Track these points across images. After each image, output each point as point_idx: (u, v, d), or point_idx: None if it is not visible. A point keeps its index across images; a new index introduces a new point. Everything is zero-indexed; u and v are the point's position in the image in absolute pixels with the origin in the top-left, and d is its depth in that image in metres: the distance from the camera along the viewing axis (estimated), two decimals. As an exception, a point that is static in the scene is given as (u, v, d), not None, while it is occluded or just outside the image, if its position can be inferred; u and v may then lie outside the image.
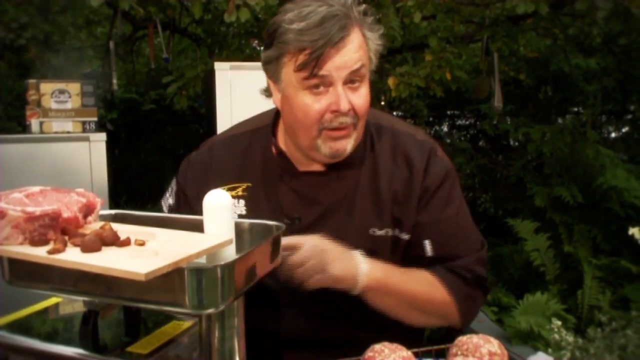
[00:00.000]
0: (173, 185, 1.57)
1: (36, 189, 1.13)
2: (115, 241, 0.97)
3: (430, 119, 6.31)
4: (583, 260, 4.36)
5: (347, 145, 1.34)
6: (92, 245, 0.94)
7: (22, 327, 1.26)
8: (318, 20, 1.23)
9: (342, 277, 1.26)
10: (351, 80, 1.29)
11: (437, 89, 3.73)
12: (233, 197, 1.43)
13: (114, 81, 4.40)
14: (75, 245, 0.97)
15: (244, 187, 1.46)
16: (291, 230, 1.36)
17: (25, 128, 6.12)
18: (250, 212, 1.43)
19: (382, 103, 4.38)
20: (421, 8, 3.13)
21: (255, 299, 1.37)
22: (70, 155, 2.70)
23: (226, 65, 2.79)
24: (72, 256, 0.92)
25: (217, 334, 1.07)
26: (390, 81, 3.58)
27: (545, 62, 5.14)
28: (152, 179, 7.08)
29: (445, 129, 6.51)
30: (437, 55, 3.54)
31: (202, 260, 1.01)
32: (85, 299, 1.09)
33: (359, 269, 1.28)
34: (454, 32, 4.02)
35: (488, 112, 5.41)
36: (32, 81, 2.83)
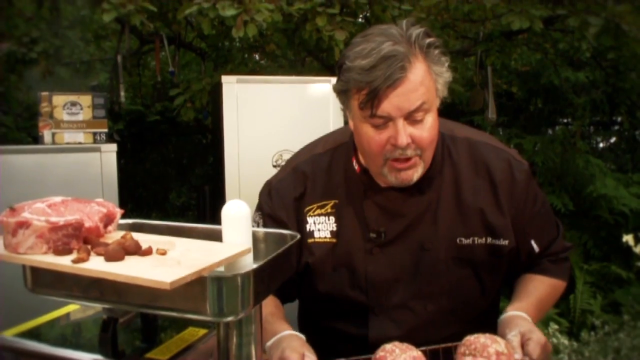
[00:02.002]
0: (257, 219, 1.50)
1: (58, 199, 1.12)
2: (137, 250, 0.96)
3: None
4: (574, 266, 4.36)
5: (413, 175, 1.31)
6: (116, 254, 0.92)
7: (39, 334, 1.25)
8: (377, 60, 1.20)
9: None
10: (412, 116, 1.25)
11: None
12: (324, 214, 1.44)
13: (122, 93, 4.39)
14: (99, 254, 0.95)
15: (331, 204, 1.45)
16: (377, 244, 1.39)
17: (34, 139, 6.12)
18: (340, 228, 1.42)
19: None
20: (420, 24, 3.12)
21: (345, 309, 1.44)
22: (82, 166, 2.69)
23: (233, 78, 2.79)
24: (97, 265, 0.90)
25: (234, 340, 1.06)
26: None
27: (536, 75, 5.16)
28: (157, 188, 7.06)
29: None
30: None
31: (220, 268, 1.00)
32: (107, 306, 1.08)
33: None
34: (449, 47, 4.03)
35: (481, 124, 5.42)
36: (44, 93, 2.82)
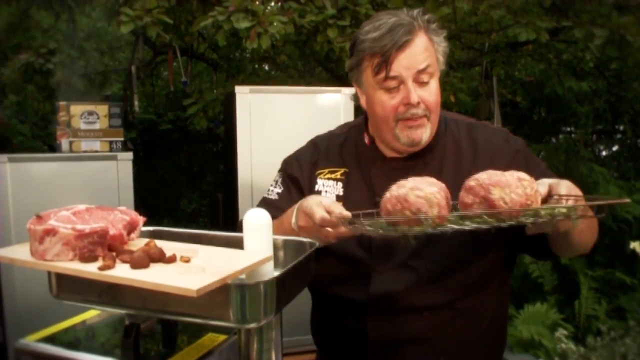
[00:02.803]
0: (278, 178, 1.67)
1: (82, 207, 1.11)
2: (161, 258, 0.96)
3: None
4: (579, 272, 4.33)
5: (423, 134, 1.40)
6: (141, 262, 0.92)
7: (61, 339, 1.24)
8: (387, 29, 1.35)
9: None
10: (420, 77, 1.36)
11: (441, 111, 3.71)
12: (333, 179, 1.56)
13: (136, 103, 4.40)
14: (124, 261, 0.95)
15: (342, 171, 1.56)
16: None
17: (50, 147, 6.15)
18: (347, 194, 1.52)
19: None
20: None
21: (349, 272, 1.48)
22: (98, 173, 2.69)
23: (246, 89, 2.79)
24: (123, 272, 0.90)
25: (255, 346, 1.05)
26: (397, 103, 3.57)
27: (539, 85, 5.15)
28: (168, 195, 7.06)
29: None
30: (442, 80, 3.53)
31: (242, 276, 1.00)
32: (131, 312, 1.07)
33: None
34: (455, 58, 4.03)
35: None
36: (62, 103, 2.83)
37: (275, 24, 2.45)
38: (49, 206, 2.81)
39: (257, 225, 1.02)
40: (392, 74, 1.35)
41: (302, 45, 3.21)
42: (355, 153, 1.57)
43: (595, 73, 5.08)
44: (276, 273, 1.07)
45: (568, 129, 5.82)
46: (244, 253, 1.01)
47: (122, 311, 1.08)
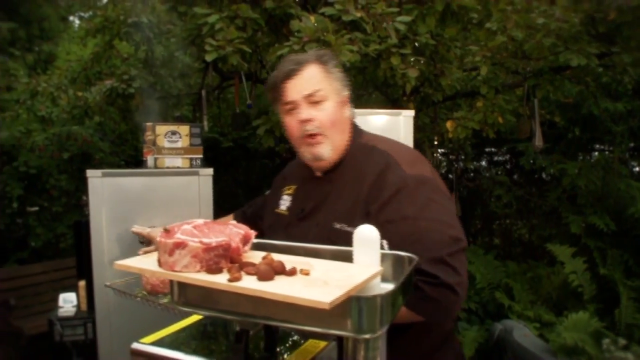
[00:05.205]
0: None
1: (200, 221, 1.10)
2: (283, 270, 0.93)
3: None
4: (618, 282, 4.17)
5: (322, 150, 1.48)
6: (267, 274, 0.90)
7: (172, 342, 1.23)
8: (281, 65, 1.49)
9: None
10: (311, 99, 1.45)
11: (489, 131, 3.64)
12: (287, 194, 1.66)
13: (205, 123, 4.45)
14: (249, 273, 0.93)
15: (294, 187, 1.66)
16: (299, 217, 1.56)
17: (126, 162, 6.26)
18: (289, 207, 1.62)
19: (435, 142, 4.31)
20: (486, 62, 3.08)
21: None
22: (181, 188, 2.71)
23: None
24: (253, 284, 0.88)
25: (362, 353, 1.02)
26: (448, 124, 3.53)
27: (576, 106, 5.00)
28: (228, 206, 7.08)
29: (484, 163, 6.38)
30: (490, 102, 3.47)
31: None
32: (248, 320, 1.05)
33: None
34: (499, 81, 3.94)
35: (524, 150, 5.29)
36: (149, 124, 2.86)
37: (345, 53, 2.44)
38: (138, 216, 2.84)
39: (368, 239, 0.99)
40: (286, 99, 1.47)
41: (363, 72, 3.19)
42: (301, 171, 1.65)
43: (630, 94, 4.91)
44: (383, 285, 1.04)
45: (602, 147, 5.64)
46: (356, 267, 0.99)
47: (239, 319, 1.06)
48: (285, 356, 1.15)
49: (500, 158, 6.32)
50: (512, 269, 4.90)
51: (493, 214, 6.01)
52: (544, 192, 5.43)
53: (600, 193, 4.73)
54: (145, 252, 1.97)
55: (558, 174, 4.98)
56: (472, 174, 6.37)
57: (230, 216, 2.05)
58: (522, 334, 3.94)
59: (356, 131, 1.58)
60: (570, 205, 4.96)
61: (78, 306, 3.15)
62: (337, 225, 1.41)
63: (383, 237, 1.23)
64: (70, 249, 5.74)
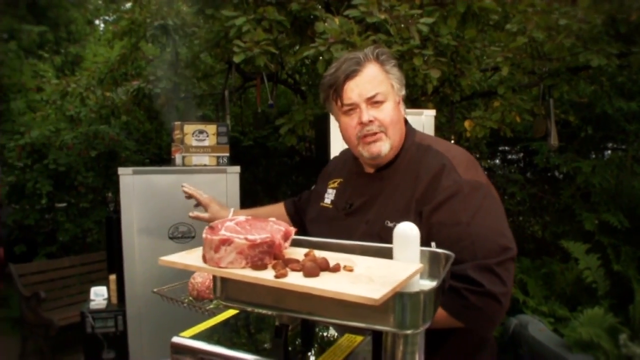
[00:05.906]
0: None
1: (242, 218, 1.10)
2: (327, 267, 0.93)
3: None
4: (632, 278, 4.11)
5: (381, 147, 1.44)
6: (313, 271, 0.89)
7: (212, 336, 1.23)
8: (339, 64, 1.44)
9: None
10: (372, 101, 1.42)
11: (507, 130, 3.61)
12: (332, 188, 1.65)
13: (228, 122, 4.46)
14: (294, 270, 0.92)
15: (339, 181, 1.65)
16: (346, 212, 1.54)
17: (150, 160, 6.29)
18: (334, 200, 1.62)
19: (452, 141, 4.28)
20: (507, 63, 3.05)
21: None
22: (209, 184, 2.72)
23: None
24: (300, 281, 0.87)
25: (401, 348, 1.01)
26: (467, 124, 3.50)
27: (590, 105, 4.94)
28: (249, 203, 7.11)
29: (497, 162, 6.34)
30: (508, 101, 3.43)
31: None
32: (290, 315, 1.04)
33: None
34: (516, 81, 3.90)
35: (537, 148, 5.24)
36: (177, 123, 2.87)
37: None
38: (167, 212, 2.84)
39: (409, 237, 0.98)
40: (346, 101, 1.42)
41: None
42: (349, 166, 1.64)
43: (644, 93, 4.84)
44: (422, 282, 1.03)
45: (615, 145, 5.56)
46: (398, 263, 0.98)
47: (281, 313, 1.05)
48: (323, 351, 1.14)
49: (514, 156, 6.27)
50: (525, 265, 4.86)
51: (507, 211, 5.92)
52: (557, 190, 5.37)
53: (614, 191, 4.66)
54: (196, 218, 2.00)
55: (572, 172, 4.92)
56: (486, 172, 6.32)
57: (280, 204, 2.02)
58: (538, 328, 3.91)
59: (410, 129, 1.55)
60: (584, 203, 4.90)
61: (109, 299, 3.18)
62: (390, 224, 1.38)
63: (432, 239, 1.27)
64: (96, 244, 5.80)
